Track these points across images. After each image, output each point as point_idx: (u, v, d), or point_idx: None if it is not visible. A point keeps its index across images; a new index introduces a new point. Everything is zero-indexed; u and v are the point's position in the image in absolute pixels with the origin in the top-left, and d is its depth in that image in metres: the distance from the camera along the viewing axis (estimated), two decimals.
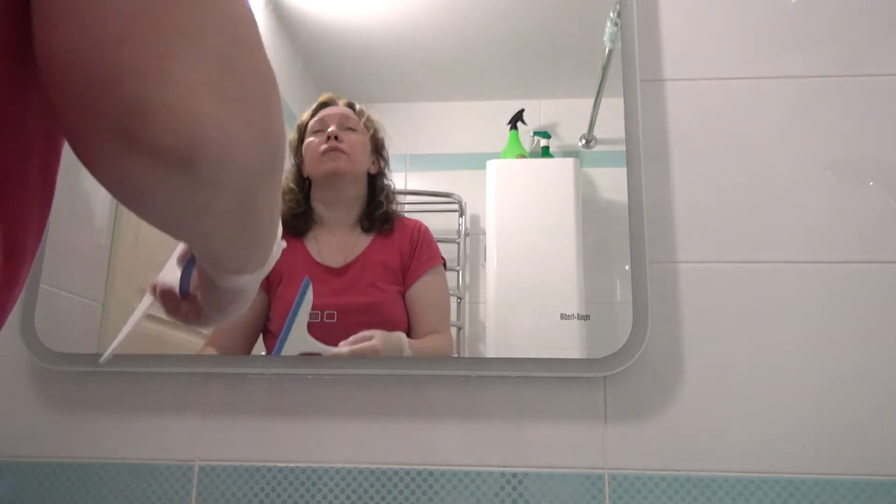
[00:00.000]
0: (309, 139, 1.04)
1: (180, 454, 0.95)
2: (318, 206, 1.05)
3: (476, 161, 1.08)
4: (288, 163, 1.05)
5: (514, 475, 0.92)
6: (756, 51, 1.03)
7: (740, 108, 1.01)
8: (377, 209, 1.04)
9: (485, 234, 1.04)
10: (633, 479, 0.90)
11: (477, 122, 1.11)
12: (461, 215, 1.07)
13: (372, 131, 1.06)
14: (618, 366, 0.91)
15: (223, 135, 0.32)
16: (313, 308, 0.97)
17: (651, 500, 0.89)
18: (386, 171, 1.06)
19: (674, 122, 1.02)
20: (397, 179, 1.09)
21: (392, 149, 1.08)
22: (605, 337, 0.96)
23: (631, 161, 0.98)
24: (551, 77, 1.12)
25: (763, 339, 0.94)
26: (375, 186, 1.05)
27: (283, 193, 1.04)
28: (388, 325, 0.98)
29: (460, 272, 1.05)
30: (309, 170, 1.04)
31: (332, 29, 1.17)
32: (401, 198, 1.08)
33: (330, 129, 1.03)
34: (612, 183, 1.01)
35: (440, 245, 1.05)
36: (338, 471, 0.93)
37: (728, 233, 0.97)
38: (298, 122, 1.06)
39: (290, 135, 1.06)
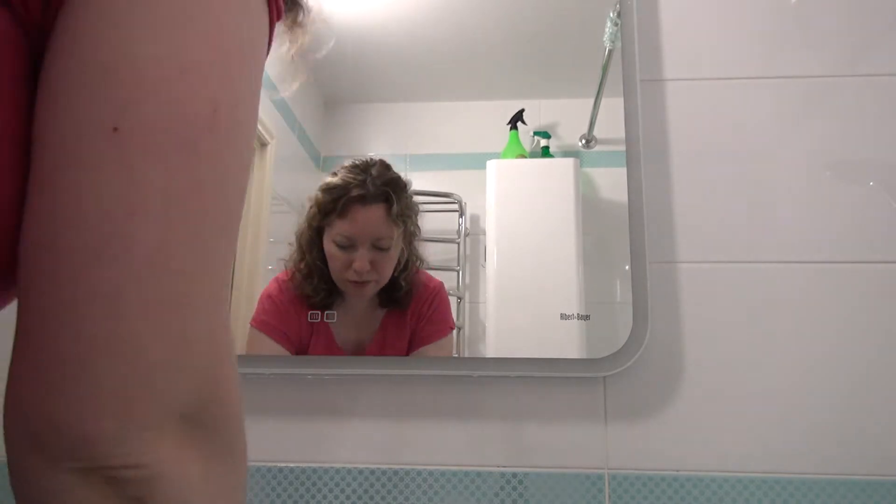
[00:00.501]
0: (331, 247, 0.95)
1: None
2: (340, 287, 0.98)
3: (476, 161, 1.08)
4: (303, 222, 0.98)
5: (514, 475, 0.92)
6: (756, 51, 1.03)
7: (740, 108, 1.02)
8: (396, 290, 0.99)
9: (485, 234, 1.04)
10: (633, 479, 0.90)
11: (477, 122, 1.11)
12: (461, 215, 1.07)
13: (407, 227, 0.97)
14: (618, 366, 0.91)
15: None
16: None
17: (651, 500, 0.89)
18: (415, 243, 1.00)
19: (674, 122, 1.02)
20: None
21: (392, 149, 1.08)
22: (605, 337, 0.96)
23: (631, 161, 0.98)
24: (551, 77, 1.12)
25: (763, 338, 0.94)
26: (397, 265, 0.99)
27: (309, 276, 0.96)
28: None
29: (460, 272, 1.05)
30: (335, 275, 0.96)
31: (332, 28, 1.17)
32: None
33: (356, 265, 0.93)
34: (612, 183, 1.01)
35: (440, 245, 1.05)
36: (338, 471, 0.93)
37: (728, 233, 0.97)
38: (318, 200, 0.95)
39: (308, 201, 0.97)
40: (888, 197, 0.97)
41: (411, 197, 0.98)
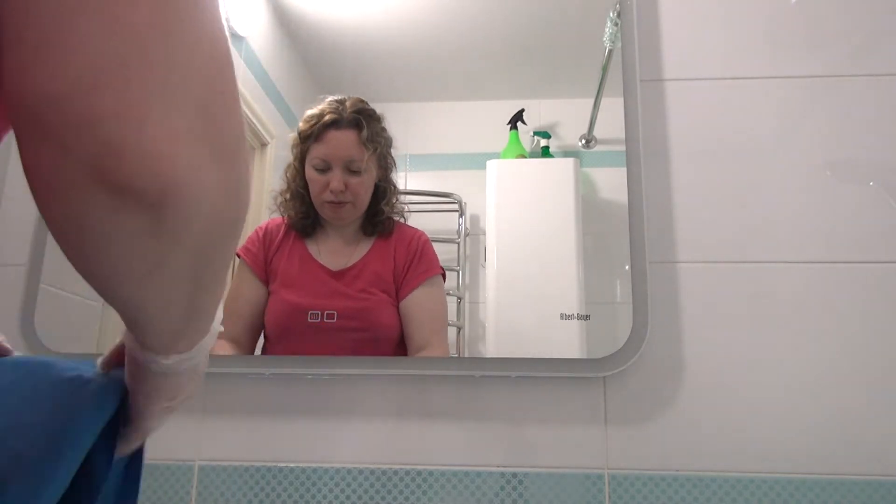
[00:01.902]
0: (310, 171, 1.02)
1: (180, 454, 0.95)
2: (322, 219, 1.05)
3: (476, 161, 1.08)
4: (291, 158, 1.04)
5: (514, 475, 0.92)
6: (756, 51, 1.03)
7: (740, 108, 1.01)
8: (378, 216, 1.04)
9: (485, 234, 1.05)
10: (633, 479, 0.90)
11: (477, 122, 1.11)
12: (461, 215, 1.07)
13: (379, 153, 1.03)
14: (618, 366, 0.91)
15: (196, 185, 0.32)
16: (313, 308, 0.98)
17: (651, 500, 0.89)
18: (391, 174, 1.05)
19: (674, 122, 1.02)
20: (398, 179, 1.09)
21: (392, 149, 1.08)
22: (605, 337, 0.96)
23: (631, 161, 0.98)
24: (551, 77, 1.12)
25: (762, 338, 0.94)
26: (377, 194, 1.04)
27: (291, 199, 1.04)
28: (380, 331, 0.99)
29: (460, 272, 1.05)
30: (314, 199, 1.03)
31: (332, 29, 1.17)
32: (401, 198, 1.08)
33: (332, 185, 1.00)
34: (612, 183, 1.01)
35: (440, 245, 1.05)
36: (338, 471, 0.93)
37: (728, 233, 0.97)
38: (299, 129, 1.03)
39: (291, 136, 1.04)
40: (888, 197, 0.97)
41: (384, 128, 1.05)
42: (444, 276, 1.03)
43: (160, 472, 0.94)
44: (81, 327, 1.03)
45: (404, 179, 1.10)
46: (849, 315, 0.94)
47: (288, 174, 1.04)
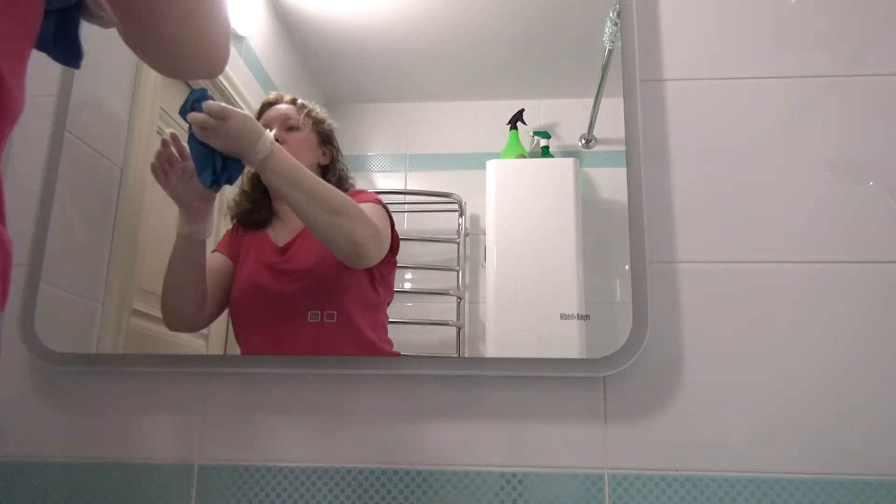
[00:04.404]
0: None
1: (180, 454, 0.95)
2: (276, 203, 1.07)
3: (476, 161, 1.08)
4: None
5: (514, 475, 0.92)
6: (756, 51, 1.03)
7: (740, 108, 1.01)
8: None
9: (485, 234, 1.05)
10: (633, 479, 0.90)
11: (477, 122, 1.11)
12: (461, 215, 1.07)
13: (316, 125, 1.07)
14: (618, 366, 0.91)
15: None
16: (260, 282, 1.02)
17: (651, 500, 0.89)
18: (339, 159, 1.07)
19: (674, 122, 1.02)
20: (397, 179, 1.09)
21: (392, 149, 1.08)
22: (604, 337, 0.96)
23: (631, 161, 0.98)
24: (551, 77, 1.12)
25: (763, 338, 0.94)
26: (326, 176, 1.04)
27: (243, 194, 1.08)
28: (321, 285, 1.00)
29: (460, 272, 1.06)
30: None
31: (331, 29, 1.17)
32: (400, 198, 1.08)
33: (267, 118, 1.06)
34: (612, 183, 1.01)
35: (440, 245, 1.05)
36: (337, 471, 0.93)
37: (728, 233, 0.97)
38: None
39: None
40: (888, 197, 0.97)
41: (325, 114, 1.09)
42: (384, 207, 1.02)
43: (160, 472, 0.94)
44: (81, 327, 1.03)
45: (404, 179, 1.10)
46: (849, 315, 0.94)
47: (253, 178, 1.07)
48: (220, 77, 1.12)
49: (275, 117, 1.06)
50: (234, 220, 1.08)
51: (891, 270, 0.94)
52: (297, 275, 1.02)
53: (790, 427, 0.91)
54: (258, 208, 1.07)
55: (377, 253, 0.97)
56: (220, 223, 1.08)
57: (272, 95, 1.09)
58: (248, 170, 0.99)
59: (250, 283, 1.03)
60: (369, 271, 0.99)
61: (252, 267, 1.04)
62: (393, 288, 1.03)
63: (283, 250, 1.04)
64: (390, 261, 1.01)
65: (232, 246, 1.07)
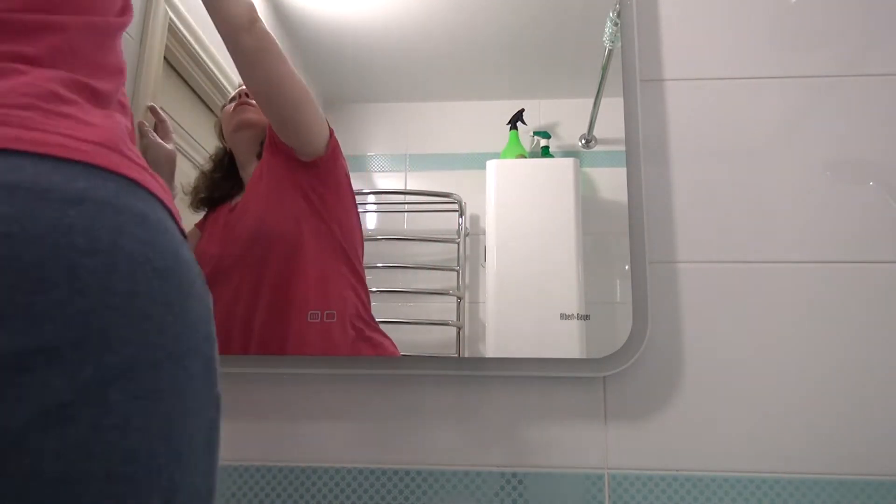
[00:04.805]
0: (224, 113, 1.12)
1: None
2: (242, 174, 1.09)
3: (476, 161, 1.08)
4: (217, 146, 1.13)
5: (514, 475, 0.92)
6: (756, 51, 1.03)
7: (740, 108, 1.02)
8: None
9: (485, 234, 1.04)
10: (633, 479, 0.90)
11: (477, 122, 1.11)
12: (461, 215, 1.07)
13: None
14: (618, 366, 0.91)
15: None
16: (209, 251, 1.05)
17: (651, 500, 0.89)
18: None
19: (674, 122, 1.02)
20: (397, 179, 1.09)
21: (392, 149, 1.08)
22: (604, 337, 0.96)
23: (631, 161, 0.98)
24: (551, 77, 1.12)
25: (763, 338, 0.94)
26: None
27: (212, 171, 1.11)
28: (268, 237, 1.02)
29: (460, 272, 1.05)
30: (226, 133, 1.11)
31: (331, 29, 1.17)
32: (400, 198, 1.08)
33: (238, 90, 1.10)
34: (612, 183, 1.01)
35: (440, 245, 1.05)
36: (337, 471, 0.93)
37: (728, 233, 0.97)
38: (222, 114, 1.12)
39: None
40: (888, 197, 0.97)
41: None
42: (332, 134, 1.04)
43: None
44: None
45: (404, 179, 1.10)
46: (849, 315, 0.94)
47: (213, 159, 1.12)
48: (220, 76, 1.12)
49: (241, 90, 1.10)
50: (197, 207, 1.10)
51: (891, 270, 0.94)
52: (249, 228, 1.04)
53: (790, 427, 0.91)
54: (229, 180, 1.10)
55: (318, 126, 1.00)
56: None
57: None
58: (218, 147, 1.08)
59: (205, 254, 1.05)
60: (317, 211, 1.01)
61: (209, 236, 1.08)
62: (358, 229, 1.05)
63: (235, 208, 1.07)
64: (339, 181, 1.04)
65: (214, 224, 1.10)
